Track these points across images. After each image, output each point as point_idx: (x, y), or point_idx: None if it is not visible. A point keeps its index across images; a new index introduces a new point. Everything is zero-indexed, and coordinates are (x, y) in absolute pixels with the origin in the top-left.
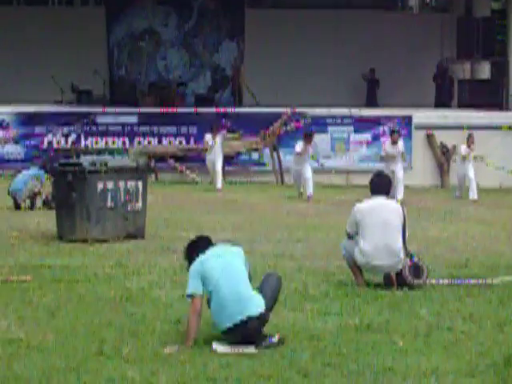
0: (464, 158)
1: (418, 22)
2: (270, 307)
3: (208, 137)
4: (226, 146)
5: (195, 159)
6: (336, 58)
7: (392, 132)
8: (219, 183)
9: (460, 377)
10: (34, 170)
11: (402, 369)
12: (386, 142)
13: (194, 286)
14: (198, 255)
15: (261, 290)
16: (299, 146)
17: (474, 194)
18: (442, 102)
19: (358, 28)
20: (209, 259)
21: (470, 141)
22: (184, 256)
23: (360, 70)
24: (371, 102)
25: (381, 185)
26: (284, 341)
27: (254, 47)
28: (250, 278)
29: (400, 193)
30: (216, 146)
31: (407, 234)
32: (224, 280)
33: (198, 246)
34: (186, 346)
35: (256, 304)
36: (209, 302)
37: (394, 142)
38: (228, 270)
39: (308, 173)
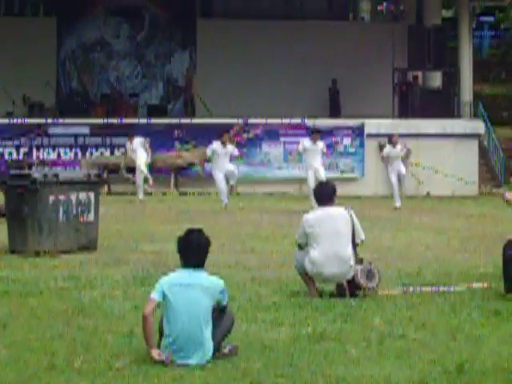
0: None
1: (370, 31)
2: (216, 348)
3: (128, 144)
4: (179, 157)
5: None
6: (289, 68)
7: (313, 132)
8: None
9: None
10: None
11: (355, 378)
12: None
13: (155, 293)
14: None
15: (212, 333)
16: (210, 148)
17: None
18: (406, 112)
19: (311, 38)
20: (176, 287)
21: (393, 141)
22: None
23: (313, 79)
24: (335, 113)
25: (324, 194)
26: (237, 351)
27: (206, 57)
28: (223, 308)
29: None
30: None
31: (363, 237)
32: (183, 317)
33: (182, 247)
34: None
35: (204, 352)
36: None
37: (314, 141)
38: (190, 309)
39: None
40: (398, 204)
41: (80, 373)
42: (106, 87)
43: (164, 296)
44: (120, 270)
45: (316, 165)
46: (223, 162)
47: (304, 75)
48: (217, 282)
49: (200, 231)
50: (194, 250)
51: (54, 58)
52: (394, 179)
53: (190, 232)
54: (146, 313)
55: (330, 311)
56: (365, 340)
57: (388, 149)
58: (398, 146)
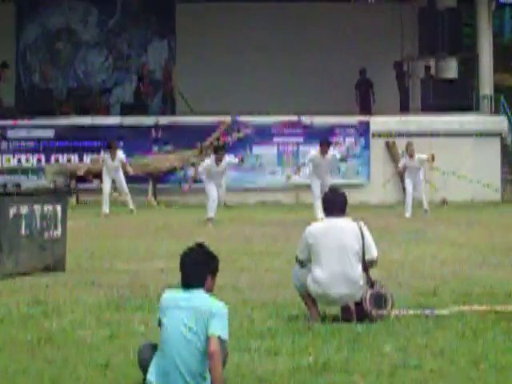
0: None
1: (376, 14)
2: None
3: (106, 156)
4: (157, 161)
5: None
6: (284, 57)
7: (322, 143)
8: (131, 205)
9: None
10: None
11: None
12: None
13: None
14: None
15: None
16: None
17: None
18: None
19: (309, 22)
20: (168, 310)
21: (408, 151)
22: None
23: (313, 69)
24: (364, 108)
25: (335, 203)
26: None
27: (187, 47)
28: (223, 339)
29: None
30: (116, 165)
31: (375, 254)
32: (173, 349)
33: (180, 264)
34: None
35: None
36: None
37: (323, 154)
38: (182, 340)
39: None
40: (407, 215)
41: None
42: (72, 82)
43: (159, 321)
44: (92, 294)
45: (325, 178)
46: None
47: (301, 65)
48: (212, 304)
49: (200, 246)
50: (188, 267)
51: (13, 48)
52: (409, 188)
53: (189, 248)
54: None
55: (334, 338)
56: (375, 371)
57: (404, 160)
58: (416, 157)
